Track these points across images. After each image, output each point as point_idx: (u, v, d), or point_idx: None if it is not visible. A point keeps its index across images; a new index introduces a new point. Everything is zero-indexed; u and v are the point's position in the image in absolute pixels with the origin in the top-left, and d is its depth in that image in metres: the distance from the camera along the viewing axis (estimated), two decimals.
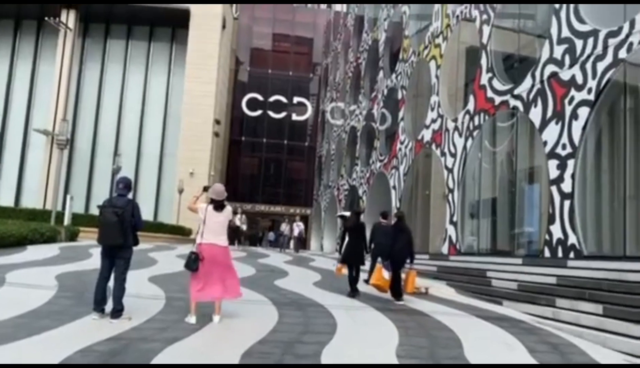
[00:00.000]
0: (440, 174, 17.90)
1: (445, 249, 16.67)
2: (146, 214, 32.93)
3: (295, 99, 49.18)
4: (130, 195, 7.05)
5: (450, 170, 16.96)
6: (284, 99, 48.78)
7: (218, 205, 6.99)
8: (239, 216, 22.18)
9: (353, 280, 10.49)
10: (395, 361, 5.66)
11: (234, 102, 49.35)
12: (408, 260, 10.54)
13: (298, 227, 24.58)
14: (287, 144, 49.71)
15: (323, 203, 41.00)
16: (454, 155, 16.83)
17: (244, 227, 22.60)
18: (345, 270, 10.68)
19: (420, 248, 19.52)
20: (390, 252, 10.34)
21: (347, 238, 10.82)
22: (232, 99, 49.27)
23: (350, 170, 32.20)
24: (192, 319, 6.80)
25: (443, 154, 17.68)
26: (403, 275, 10.60)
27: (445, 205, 17.06)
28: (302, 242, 25.48)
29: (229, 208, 7.13)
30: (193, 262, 6.81)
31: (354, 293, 10.33)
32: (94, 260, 11.93)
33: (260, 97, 48.62)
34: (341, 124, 36.40)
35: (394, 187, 22.34)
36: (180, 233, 30.34)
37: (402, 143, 22.08)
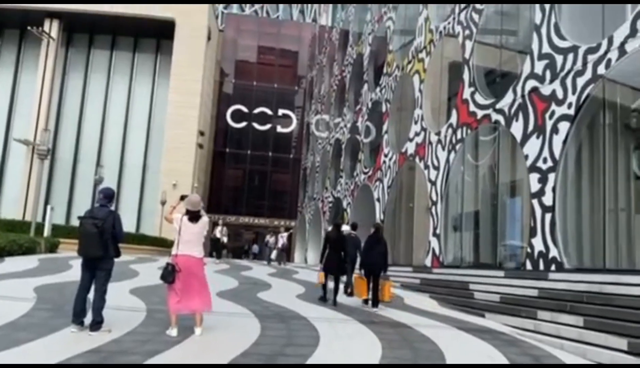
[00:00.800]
0: (423, 186, 18.01)
1: (428, 262, 16.72)
2: (128, 226, 32.65)
3: (280, 111, 49.29)
4: (112, 206, 6.98)
5: (433, 183, 17.08)
6: (268, 111, 48.86)
7: (193, 216, 6.94)
8: (219, 228, 21.85)
9: (333, 289, 11.04)
10: None
11: (218, 114, 49.27)
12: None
13: (282, 239, 24.38)
14: (272, 155, 49.69)
15: (307, 216, 40.91)
16: (437, 168, 16.95)
17: (225, 240, 22.26)
18: (323, 280, 11.18)
19: (403, 261, 19.58)
20: (366, 261, 10.98)
21: (327, 250, 11.18)
22: (216, 111, 49.19)
23: (334, 182, 32.23)
24: (173, 332, 6.72)
25: (426, 166, 17.81)
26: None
27: (428, 217, 17.14)
28: (286, 254, 25.30)
29: (205, 219, 7.05)
30: (169, 274, 6.72)
31: (325, 300, 10.98)
32: (74, 272, 11.75)
33: (245, 109, 48.62)
34: (326, 136, 36.48)
35: (378, 200, 22.41)
36: (163, 245, 30.06)
37: (386, 156, 22.19)
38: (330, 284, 11.47)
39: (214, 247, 21.78)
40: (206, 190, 46.64)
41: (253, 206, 49.12)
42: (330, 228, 11.95)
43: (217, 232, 21.59)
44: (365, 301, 11.13)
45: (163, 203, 32.50)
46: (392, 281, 16.69)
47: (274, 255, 25.65)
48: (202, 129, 39.68)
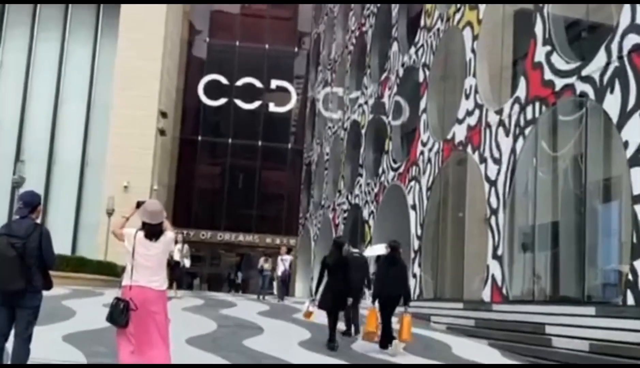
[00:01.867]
0: (478, 188, 17.98)
1: (486, 295, 16.68)
2: (61, 246, 32.78)
3: (274, 83, 49.32)
4: (37, 219, 7.00)
5: (493, 183, 17.04)
6: (257, 83, 48.92)
7: (152, 232, 6.91)
8: (179, 246, 21.79)
9: (332, 326, 11.85)
10: None
11: (186, 87, 49.40)
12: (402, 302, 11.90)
13: (283, 263, 24.38)
14: (263, 145, 49.72)
15: (313, 230, 40.87)
16: (498, 162, 16.92)
17: (187, 263, 22.24)
18: (316, 315, 12.22)
19: (450, 294, 19.56)
20: (380, 290, 11.91)
21: (325, 278, 12.08)
22: (184, 83, 49.31)
23: (351, 182, 32.21)
24: None
25: (483, 159, 17.79)
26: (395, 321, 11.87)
27: (486, 232, 17.12)
28: (287, 285, 25.31)
29: (169, 236, 7.01)
30: (120, 314, 6.69)
31: (332, 343, 11.67)
32: None
33: (224, 80, 48.70)
34: (338, 117, 36.46)
35: (414, 207, 22.39)
36: (110, 272, 30.16)
37: (424, 144, 22.17)
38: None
39: (173, 275, 21.69)
40: (171, 195, 46.77)
41: (236, 217, 49.21)
42: (377, 251, 12.81)
43: (176, 251, 21.52)
44: (384, 344, 11.78)
45: (110, 213, 32.56)
46: (433, 320, 16.79)
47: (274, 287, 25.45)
48: (165, 109, 39.82)
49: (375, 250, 15.43)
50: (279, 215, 50.30)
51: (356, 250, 13.86)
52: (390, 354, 11.46)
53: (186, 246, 22.12)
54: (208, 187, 50.92)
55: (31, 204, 6.95)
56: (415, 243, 21.50)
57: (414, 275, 21.43)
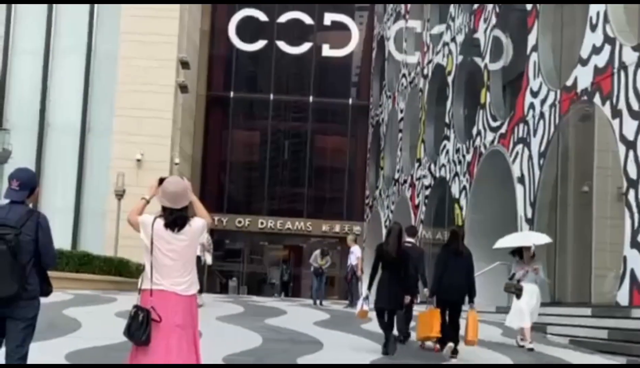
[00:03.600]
0: (610, 152, 17.79)
1: (623, 297, 16.52)
2: (58, 239, 33.32)
3: (329, 18, 49.07)
4: (30, 204, 7.02)
5: (631, 145, 16.79)
6: (307, 19, 48.76)
7: (173, 220, 6.90)
8: None
9: (387, 327, 12.80)
10: None
11: (213, 28, 49.57)
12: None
13: (353, 256, 24.88)
14: (315, 102, 49.67)
15: (384, 213, 40.88)
16: (638, 116, 16.61)
17: (209, 258, 22.49)
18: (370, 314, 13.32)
19: (573, 296, 19.45)
20: (440, 285, 12.83)
21: (381, 273, 12.90)
22: (210, 23, 49.46)
23: (435, 149, 32.15)
24: None
25: (616, 113, 17.54)
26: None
27: (622, 212, 16.91)
28: (353, 285, 25.48)
29: (195, 224, 6.92)
30: (140, 327, 6.67)
31: (387, 347, 12.53)
32: None
33: (262, 16, 48.68)
34: (417, 61, 36.25)
35: (521, 180, 22.23)
36: (122, 272, 30.61)
37: (534, 95, 21.99)
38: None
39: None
40: (196, 171, 47.15)
41: (282, 198, 49.53)
42: (385, 238, 13.63)
43: None
44: (440, 343, 13.05)
45: (120, 195, 32.99)
46: (550, 332, 16.74)
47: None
48: (186, 57, 40.01)
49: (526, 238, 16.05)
50: (338, 195, 50.38)
51: (410, 240, 14.56)
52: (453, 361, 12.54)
53: (207, 236, 22.25)
54: (244, 159, 51.18)
55: (30, 185, 6.92)
56: (525, 229, 21.26)
57: None
